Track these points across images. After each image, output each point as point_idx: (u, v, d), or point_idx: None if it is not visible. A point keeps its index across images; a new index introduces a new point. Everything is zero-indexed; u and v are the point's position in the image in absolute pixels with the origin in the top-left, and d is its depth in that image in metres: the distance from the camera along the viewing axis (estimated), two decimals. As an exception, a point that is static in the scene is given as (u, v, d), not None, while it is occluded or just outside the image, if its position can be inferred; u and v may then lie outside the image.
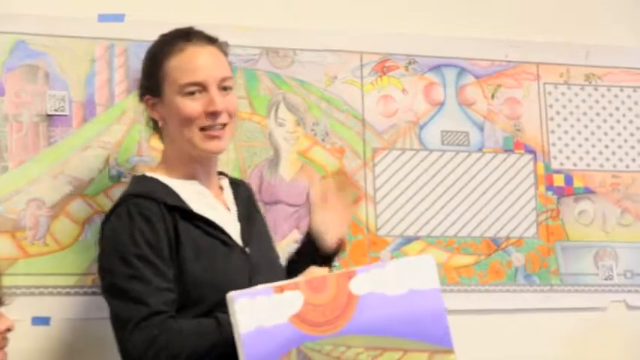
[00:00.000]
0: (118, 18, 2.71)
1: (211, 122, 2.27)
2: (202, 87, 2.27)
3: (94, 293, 2.57)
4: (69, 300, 2.58)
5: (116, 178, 2.66)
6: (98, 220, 2.59)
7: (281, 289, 2.07)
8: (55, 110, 2.64)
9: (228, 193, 2.40)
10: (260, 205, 2.59)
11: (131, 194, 2.26)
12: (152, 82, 2.32)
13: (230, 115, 2.31)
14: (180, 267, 2.21)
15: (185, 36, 2.32)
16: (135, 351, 2.14)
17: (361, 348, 2.12)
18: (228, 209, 2.37)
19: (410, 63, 2.95)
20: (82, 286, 2.60)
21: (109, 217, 2.26)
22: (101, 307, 2.47)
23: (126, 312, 2.16)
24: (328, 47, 2.85)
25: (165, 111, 2.31)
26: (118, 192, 2.62)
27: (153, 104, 2.32)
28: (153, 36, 2.62)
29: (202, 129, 2.28)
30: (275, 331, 2.04)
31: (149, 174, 2.35)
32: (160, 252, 2.20)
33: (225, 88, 2.30)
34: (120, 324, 2.18)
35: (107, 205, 2.62)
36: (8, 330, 2.09)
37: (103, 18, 2.70)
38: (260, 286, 2.07)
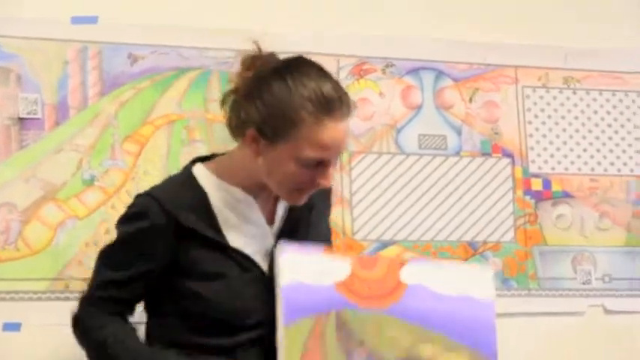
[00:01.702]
0: (92, 20, 2.70)
1: (310, 188, 2.13)
2: (322, 162, 2.09)
3: (66, 298, 2.55)
4: (41, 305, 2.56)
5: (89, 182, 2.65)
6: (70, 225, 2.64)
7: (330, 254, 2.11)
8: (28, 113, 2.63)
9: (281, 205, 2.25)
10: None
11: (152, 194, 2.15)
12: (273, 130, 2.07)
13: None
14: (185, 286, 2.13)
15: (333, 107, 2.06)
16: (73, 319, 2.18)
17: (402, 331, 2.08)
18: (272, 222, 2.23)
19: (387, 66, 2.94)
20: (54, 291, 2.58)
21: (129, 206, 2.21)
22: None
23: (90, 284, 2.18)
24: (304, 50, 2.69)
25: (270, 156, 2.10)
26: (90, 196, 2.69)
27: (256, 139, 2.08)
28: (127, 38, 2.68)
29: (296, 189, 2.14)
30: (317, 291, 2.02)
31: (201, 173, 2.19)
32: (146, 258, 2.12)
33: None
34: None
35: (80, 209, 2.61)
36: None
37: (77, 20, 2.70)
38: (310, 247, 2.08)
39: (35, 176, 2.61)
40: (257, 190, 2.19)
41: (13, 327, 2.54)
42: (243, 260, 2.16)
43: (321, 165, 2.08)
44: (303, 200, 2.17)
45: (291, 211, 2.25)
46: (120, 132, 2.68)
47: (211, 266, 2.14)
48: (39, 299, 2.57)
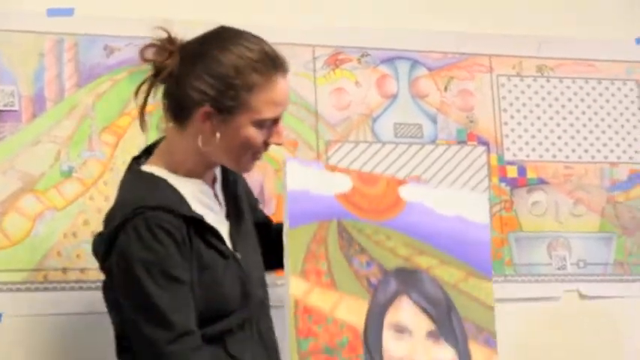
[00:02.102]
0: (68, 12, 2.69)
1: (264, 150, 2.22)
2: (275, 119, 2.19)
3: (45, 289, 2.57)
4: (20, 296, 2.56)
5: (67, 174, 2.65)
6: (49, 216, 2.63)
7: (332, 169, 2.27)
8: (4, 105, 2.63)
9: (218, 186, 2.31)
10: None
11: (146, 206, 2.10)
12: (228, 102, 2.13)
13: None
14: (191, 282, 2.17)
15: (277, 64, 2.16)
16: (189, 355, 2.08)
17: (400, 243, 2.19)
18: (220, 204, 2.28)
19: (362, 56, 2.94)
20: (33, 282, 2.58)
21: (120, 228, 2.11)
22: (53, 302, 2.56)
23: (156, 333, 2.07)
24: (280, 41, 2.69)
25: (223, 129, 2.15)
26: (69, 187, 2.67)
27: (209, 117, 2.13)
28: (103, 30, 2.69)
29: (253, 154, 2.21)
30: (320, 200, 2.12)
31: (155, 172, 2.21)
32: (185, 269, 2.10)
33: None
34: (148, 343, 2.08)
35: (58, 200, 2.62)
36: None
37: (52, 12, 2.69)
38: (313, 160, 2.31)
39: (13, 168, 2.61)
40: (204, 175, 2.24)
41: None
42: (222, 247, 2.18)
43: (274, 123, 2.17)
44: (253, 166, 2.25)
45: (226, 191, 2.29)
46: (97, 123, 2.68)
47: (203, 259, 2.16)
48: (18, 290, 2.57)
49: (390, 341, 2.12)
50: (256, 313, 2.22)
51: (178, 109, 2.18)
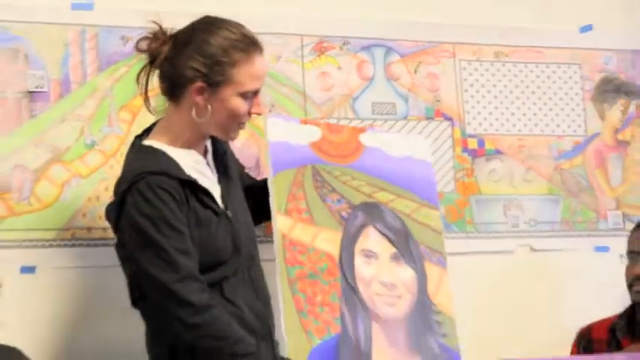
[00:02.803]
0: (89, 7, 2.71)
1: (247, 119, 2.33)
2: (255, 92, 2.31)
3: (72, 245, 2.63)
4: (51, 251, 2.62)
5: (90, 146, 2.68)
6: (75, 183, 2.65)
7: (305, 122, 2.41)
8: (35, 87, 2.66)
9: (210, 156, 2.39)
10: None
11: (147, 171, 2.21)
12: (215, 76, 2.26)
13: None
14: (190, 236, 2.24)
15: (255, 44, 2.30)
16: (193, 296, 2.15)
17: (363, 182, 2.39)
18: (212, 173, 2.37)
19: (344, 44, 2.99)
20: (62, 239, 2.63)
21: (127, 192, 2.21)
22: (79, 257, 2.63)
23: (165, 275, 2.16)
24: (273, 30, 2.87)
25: (213, 102, 2.27)
26: (92, 158, 2.67)
27: (201, 91, 2.26)
28: (119, 22, 2.72)
29: (239, 123, 2.32)
30: (296, 149, 2.31)
31: (154, 144, 2.31)
32: (184, 223, 2.20)
33: None
34: (158, 285, 2.17)
35: (83, 169, 2.66)
36: None
37: (76, 6, 2.70)
38: (289, 116, 2.45)
39: (43, 142, 2.65)
40: (197, 146, 2.34)
41: (29, 270, 2.59)
42: (214, 206, 2.28)
43: (254, 95, 2.32)
44: (238, 135, 2.39)
45: (216, 161, 2.39)
46: (115, 103, 2.71)
47: (198, 216, 2.25)
48: (50, 246, 2.61)
49: (360, 265, 2.33)
50: (246, 263, 2.30)
51: (174, 88, 2.31)
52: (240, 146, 2.77)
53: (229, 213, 2.31)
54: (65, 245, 2.65)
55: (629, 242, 2.80)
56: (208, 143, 2.41)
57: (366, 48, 3.03)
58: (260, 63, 2.30)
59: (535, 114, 3.18)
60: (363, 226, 2.37)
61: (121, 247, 2.29)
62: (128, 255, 2.24)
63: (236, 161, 2.54)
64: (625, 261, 2.78)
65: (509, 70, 3.18)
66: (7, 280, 2.45)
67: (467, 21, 3.12)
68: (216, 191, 2.33)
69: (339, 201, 2.34)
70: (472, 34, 3.14)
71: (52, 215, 2.65)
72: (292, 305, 2.20)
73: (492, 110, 3.14)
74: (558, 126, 3.20)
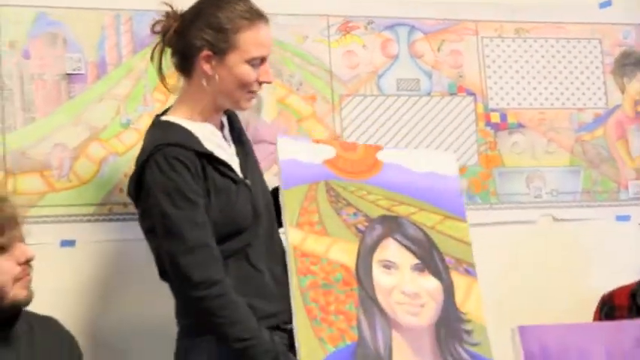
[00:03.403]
0: None
1: (257, 88, 2.30)
2: (262, 59, 2.28)
3: (110, 220, 2.63)
4: (90, 226, 2.62)
5: (126, 125, 2.68)
6: (112, 160, 2.65)
7: (317, 141, 2.26)
8: (73, 70, 2.66)
9: (227, 130, 2.38)
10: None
11: (164, 143, 2.21)
12: (221, 44, 2.25)
13: None
14: (207, 206, 2.22)
15: (260, 14, 2.29)
16: (196, 270, 2.13)
17: (380, 196, 2.20)
18: (229, 146, 2.36)
19: (369, 23, 2.96)
20: (100, 214, 2.63)
21: (145, 164, 2.21)
22: (116, 230, 2.63)
23: (173, 245, 2.15)
24: (300, 12, 2.87)
25: (221, 71, 2.26)
26: (128, 136, 2.67)
27: (209, 60, 2.26)
28: (152, 6, 2.56)
29: (249, 92, 2.29)
30: (309, 166, 2.16)
31: (171, 119, 2.31)
32: (199, 194, 2.19)
33: None
34: (167, 256, 2.17)
35: (119, 146, 2.65)
36: (29, 260, 2.09)
37: None
38: (302, 137, 2.25)
39: (82, 121, 2.65)
40: (212, 119, 2.32)
41: (69, 243, 2.60)
42: (233, 175, 2.27)
43: (262, 63, 2.27)
44: (252, 104, 2.34)
45: (232, 135, 2.38)
46: (150, 83, 2.70)
47: (217, 185, 2.23)
48: (88, 221, 2.62)
49: (379, 275, 2.13)
50: (266, 230, 2.28)
51: (184, 61, 2.30)
52: (270, 123, 2.76)
53: (248, 182, 2.30)
54: (103, 220, 2.65)
55: None
56: (224, 119, 2.40)
57: (390, 27, 3.00)
58: (264, 31, 2.28)
59: (556, 88, 3.14)
60: (381, 238, 2.19)
61: (142, 220, 2.29)
62: (150, 227, 2.24)
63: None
64: None
65: (531, 46, 3.13)
66: (48, 253, 2.47)
67: (489, -1, 3.06)
68: (234, 162, 2.32)
69: (355, 214, 2.18)
70: (494, 11, 3.10)
71: (91, 191, 2.65)
72: (304, 314, 2.06)
73: (514, 85, 3.09)
74: (579, 99, 3.15)
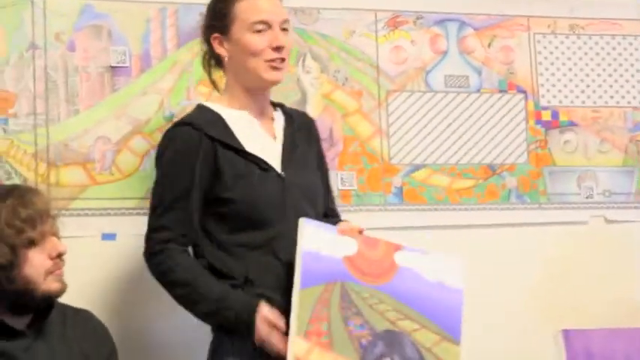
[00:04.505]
0: None
1: (275, 55, 2.21)
2: (268, 25, 2.20)
3: None
4: (131, 219, 2.55)
5: (169, 118, 2.61)
6: (154, 153, 2.48)
7: (342, 232, 2.10)
8: (117, 63, 2.61)
9: (278, 124, 2.31)
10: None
11: (179, 122, 2.24)
12: (221, 21, 2.24)
13: (287, 53, 2.26)
14: (220, 191, 2.16)
15: None
16: (145, 250, 2.18)
17: (390, 307, 2.10)
18: (274, 137, 2.28)
19: (417, 18, 2.87)
20: (142, 208, 2.50)
21: (162, 138, 2.25)
22: None
23: (149, 215, 2.19)
24: (347, 6, 2.80)
25: (231, 47, 2.23)
26: None
27: (220, 41, 2.24)
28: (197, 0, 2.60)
29: (266, 61, 2.21)
30: (329, 262, 2.05)
31: (208, 104, 2.30)
32: (189, 173, 2.14)
33: (284, 29, 2.25)
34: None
35: None
36: (61, 255, 2.05)
37: None
38: (328, 224, 2.11)
39: (125, 114, 2.60)
40: (249, 107, 2.25)
41: (110, 237, 2.54)
42: (260, 163, 2.20)
43: (270, 29, 2.19)
44: (277, 76, 2.23)
45: (287, 131, 2.30)
46: (194, 77, 2.64)
47: (237, 169, 2.17)
48: (130, 214, 2.55)
49: None
50: (294, 223, 2.15)
51: (212, 56, 2.30)
52: (316, 118, 2.64)
53: (282, 174, 2.20)
54: (144, 213, 2.46)
55: None
56: (277, 114, 2.33)
57: (440, 22, 2.90)
58: None
59: (611, 86, 3.00)
60: (381, 357, 2.08)
61: None
62: None
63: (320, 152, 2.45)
64: None
65: (585, 43, 3.00)
66: (89, 246, 2.44)
67: (541, -6, 2.99)
68: (272, 152, 2.24)
69: (361, 326, 2.06)
70: (547, 6, 2.98)
71: (133, 185, 2.60)
72: None
73: (567, 82, 2.97)
74: (634, 97, 3.02)
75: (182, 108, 2.61)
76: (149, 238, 2.19)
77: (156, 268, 2.16)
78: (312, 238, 2.05)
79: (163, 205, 2.17)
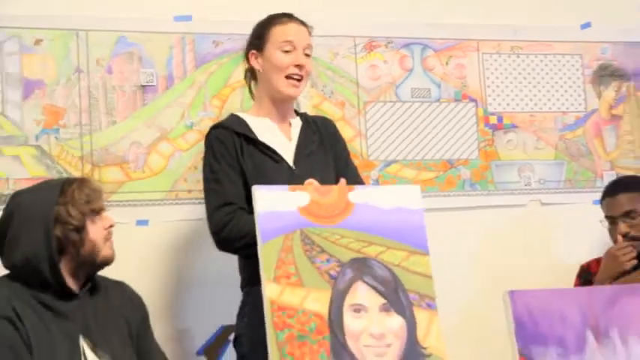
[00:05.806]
0: (188, 18, 2.72)
1: (295, 71, 2.29)
2: (293, 46, 2.29)
3: (176, 203, 2.65)
4: (160, 208, 2.64)
5: (189, 127, 2.69)
6: (178, 155, 2.67)
7: (293, 189, 1.99)
8: (147, 82, 2.67)
9: (295, 128, 2.37)
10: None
11: (214, 126, 2.34)
12: (259, 41, 2.33)
13: (306, 73, 2.33)
14: (244, 176, 2.24)
15: (288, 15, 2.34)
16: (215, 226, 2.22)
17: (352, 239, 1.98)
18: (290, 139, 2.34)
19: (389, 42, 2.94)
20: (169, 199, 2.65)
21: (205, 138, 2.33)
22: (182, 212, 2.65)
23: (209, 200, 2.25)
24: (331, 33, 2.85)
25: (264, 62, 2.31)
26: (191, 136, 2.68)
27: (255, 57, 2.33)
28: (211, 30, 2.73)
29: (287, 77, 2.29)
30: (284, 215, 1.93)
31: (237, 112, 2.39)
32: (231, 163, 2.25)
33: (307, 55, 2.33)
34: (207, 208, 2.25)
35: (184, 145, 2.68)
36: (111, 226, 2.12)
37: (178, 19, 2.71)
38: (278, 186, 2.02)
39: (154, 124, 2.67)
40: (271, 114, 2.34)
41: (143, 223, 2.62)
42: (274, 156, 2.28)
43: (295, 50, 2.30)
44: (294, 92, 2.32)
45: (303, 135, 2.35)
46: (209, 93, 2.72)
47: (255, 160, 2.26)
48: (159, 204, 2.64)
49: (350, 320, 1.90)
50: None
51: (248, 70, 2.39)
52: None
53: (294, 167, 2.29)
54: (171, 203, 2.67)
55: (606, 208, 2.68)
56: (295, 121, 2.39)
57: (406, 45, 2.98)
58: (290, 25, 2.33)
59: (544, 95, 3.09)
60: (351, 282, 1.93)
61: None
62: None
63: (339, 154, 2.44)
64: (605, 225, 2.67)
65: (523, 61, 3.09)
66: (125, 231, 2.48)
67: (488, 21, 3.05)
68: (286, 149, 2.32)
69: (327, 261, 1.93)
70: (493, 32, 3.06)
71: (161, 180, 2.67)
72: None
73: (509, 93, 3.06)
74: (563, 104, 3.11)
75: (200, 118, 2.69)
76: (214, 214, 2.20)
77: (229, 234, 2.17)
78: (265, 200, 1.93)
79: (221, 186, 2.23)
